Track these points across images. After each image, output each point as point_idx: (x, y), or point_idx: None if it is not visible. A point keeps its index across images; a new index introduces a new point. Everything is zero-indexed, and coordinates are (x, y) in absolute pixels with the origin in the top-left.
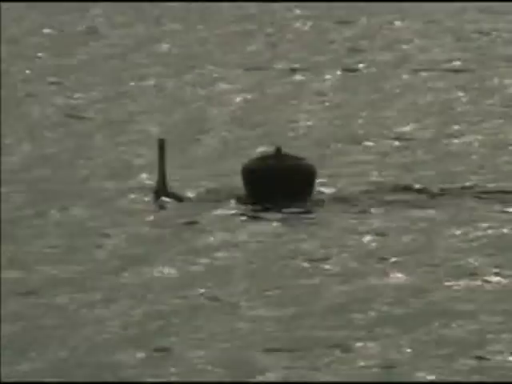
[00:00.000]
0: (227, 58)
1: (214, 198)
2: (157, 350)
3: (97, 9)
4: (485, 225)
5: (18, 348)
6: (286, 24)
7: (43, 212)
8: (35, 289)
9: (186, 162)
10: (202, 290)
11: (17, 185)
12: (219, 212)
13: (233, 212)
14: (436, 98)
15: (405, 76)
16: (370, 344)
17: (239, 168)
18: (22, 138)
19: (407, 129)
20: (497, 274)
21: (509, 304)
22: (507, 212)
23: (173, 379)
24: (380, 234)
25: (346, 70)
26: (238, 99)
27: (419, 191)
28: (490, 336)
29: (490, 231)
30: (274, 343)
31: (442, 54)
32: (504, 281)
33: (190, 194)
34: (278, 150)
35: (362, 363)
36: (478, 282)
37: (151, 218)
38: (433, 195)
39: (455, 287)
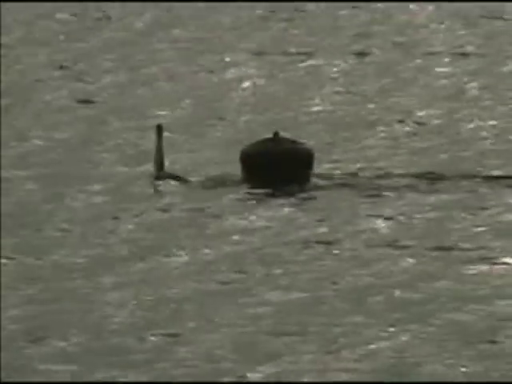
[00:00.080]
0: (239, 43)
1: (214, 183)
2: (169, 335)
3: None
4: (497, 210)
5: (30, 333)
6: (298, 8)
7: (55, 197)
8: (47, 274)
9: (197, 147)
10: (215, 276)
11: (28, 170)
12: (230, 197)
13: (240, 197)
14: (448, 82)
15: (417, 60)
16: (382, 329)
17: None
18: (33, 123)
19: (419, 114)
20: (508, 258)
21: None
22: None
23: (186, 363)
24: (391, 218)
25: (358, 54)
26: (250, 84)
27: (431, 176)
28: (502, 321)
29: (501, 216)
30: (287, 328)
31: (455, 39)
32: None
33: (193, 179)
34: (276, 134)
35: (373, 347)
36: (491, 267)
37: (162, 203)
38: (444, 180)
39: (467, 272)
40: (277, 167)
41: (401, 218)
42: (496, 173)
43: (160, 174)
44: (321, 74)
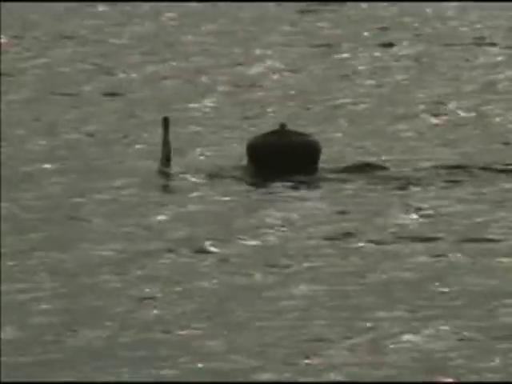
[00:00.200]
0: (266, 37)
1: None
2: (195, 329)
3: None
4: None
5: (57, 328)
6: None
7: (82, 191)
8: (74, 268)
9: (224, 140)
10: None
11: (56, 163)
12: (259, 191)
13: (268, 190)
14: (478, 74)
15: (445, 53)
16: (409, 323)
17: None
18: (61, 116)
19: (447, 106)
20: None
21: None
22: None
23: (212, 358)
24: (419, 210)
25: (385, 45)
26: (277, 77)
27: (458, 168)
28: None
29: None
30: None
31: (482, 30)
32: None
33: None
34: (282, 125)
35: (400, 341)
36: None
37: (189, 196)
38: (471, 172)
39: (498, 265)
40: (282, 159)
41: (429, 211)
42: None
43: (162, 168)
44: (347, 67)
